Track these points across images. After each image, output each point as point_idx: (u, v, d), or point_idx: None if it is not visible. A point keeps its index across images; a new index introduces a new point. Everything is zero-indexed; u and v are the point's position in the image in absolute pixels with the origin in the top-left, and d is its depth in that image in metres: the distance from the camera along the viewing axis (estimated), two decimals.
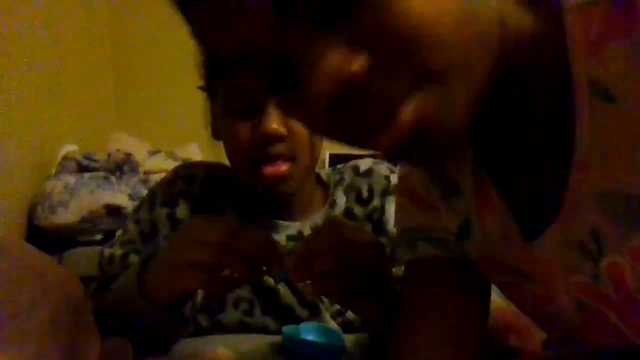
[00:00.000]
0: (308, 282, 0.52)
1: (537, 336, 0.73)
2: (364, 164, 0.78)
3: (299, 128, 0.66)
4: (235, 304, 0.67)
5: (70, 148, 1.37)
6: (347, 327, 0.67)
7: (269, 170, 0.66)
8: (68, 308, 0.49)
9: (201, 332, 0.66)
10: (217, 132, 0.73)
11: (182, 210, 0.71)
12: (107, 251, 0.70)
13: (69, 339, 0.48)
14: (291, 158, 0.66)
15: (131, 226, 0.72)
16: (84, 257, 1.12)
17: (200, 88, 0.73)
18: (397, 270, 0.69)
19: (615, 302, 0.34)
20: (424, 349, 0.45)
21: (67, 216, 1.18)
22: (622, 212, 0.32)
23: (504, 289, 0.48)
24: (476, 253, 0.45)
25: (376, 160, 0.78)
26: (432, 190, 0.47)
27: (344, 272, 0.50)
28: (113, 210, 1.21)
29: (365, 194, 0.75)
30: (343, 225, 0.53)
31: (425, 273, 0.48)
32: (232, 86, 0.66)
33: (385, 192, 0.75)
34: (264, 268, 0.52)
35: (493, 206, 0.41)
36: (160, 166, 1.37)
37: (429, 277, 0.48)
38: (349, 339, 0.64)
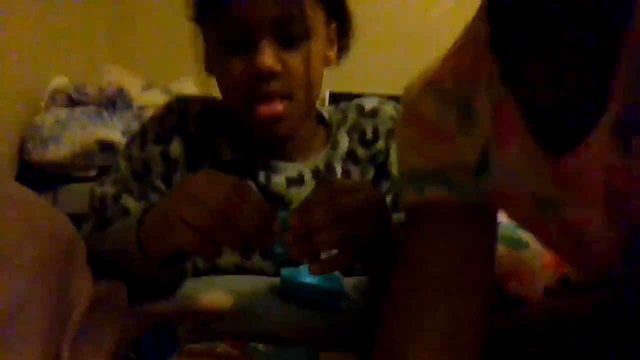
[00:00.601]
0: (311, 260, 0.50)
1: (539, 282, 0.72)
2: (369, 103, 0.73)
3: (296, 64, 0.61)
4: None
5: (60, 80, 1.32)
6: (347, 270, 0.66)
7: (263, 109, 0.62)
8: (57, 247, 0.47)
9: (198, 274, 0.64)
10: (210, 66, 0.68)
11: (175, 148, 0.68)
12: (98, 190, 0.67)
13: (58, 278, 0.46)
14: (287, 96, 0.62)
15: (122, 164, 0.69)
16: (79, 194, 1.11)
17: (192, 19, 0.67)
18: (399, 216, 0.67)
19: None
20: (430, 307, 0.43)
21: (59, 151, 1.15)
22: None
23: (524, 223, 0.45)
24: (495, 187, 0.42)
25: (382, 99, 0.74)
26: (448, 117, 0.42)
27: (348, 243, 0.48)
28: (106, 146, 1.18)
29: (369, 135, 0.71)
30: (340, 190, 0.49)
31: (432, 220, 0.45)
32: (225, 17, 0.61)
33: (391, 134, 0.71)
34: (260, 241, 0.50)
35: (515, 127, 0.38)
36: (154, 101, 1.32)
37: (437, 224, 0.45)
38: (349, 282, 0.63)
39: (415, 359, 0.43)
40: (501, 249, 0.75)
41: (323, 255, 0.51)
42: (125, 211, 0.64)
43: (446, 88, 0.43)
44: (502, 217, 0.90)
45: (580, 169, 0.36)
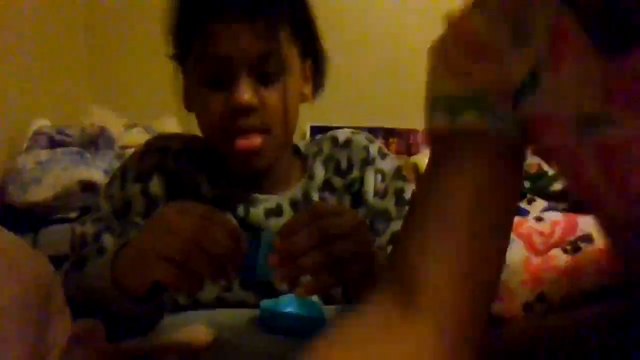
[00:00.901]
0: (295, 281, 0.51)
1: (518, 299, 0.73)
2: (343, 135, 0.76)
3: (273, 99, 0.64)
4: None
5: (41, 122, 1.32)
6: (327, 298, 0.67)
7: (242, 143, 0.63)
8: (35, 288, 0.47)
9: (179, 309, 0.64)
10: (189, 103, 0.70)
11: (155, 185, 0.69)
12: (79, 229, 0.68)
13: (37, 320, 0.46)
14: (265, 130, 0.64)
15: (103, 203, 0.69)
16: (59, 236, 1.10)
17: (171, 57, 0.70)
18: (378, 241, 0.68)
19: None
20: (454, 244, 0.40)
21: (40, 193, 1.15)
22: None
23: (558, 155, 0.43)
24: (538, 110, 0.40)
25: (355, 130, 0.77)
26: (499, 32, 0.40)
27: (332, 266, 0.48)
28: (88, 187, 1.18)
29: (344, 165, 0.73)
30: (324, 213, 0.50)
31: (462, 149, 0.42)
32: (204, 55, 0.64)
33: (365, 163, 0.73)
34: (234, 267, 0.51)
35: (572, 41, 0.37)
36: (137, 141, 1.33)
37: (466, 155, 0.42)
38: (329, 310, 0.63)
39: (433, 282, 0.40)
40: None
41: (304, 280, 0.52)
42: (104, 251, 0.64)
43: (499, 3, 0.41)
44: None
45: (638, 76, 0.34)
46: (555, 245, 0.77)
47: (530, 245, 0.78)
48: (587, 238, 0.75)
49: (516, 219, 0.85)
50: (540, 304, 0.72)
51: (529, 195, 0.99)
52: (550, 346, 0.57)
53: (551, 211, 0.90)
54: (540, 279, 0.74)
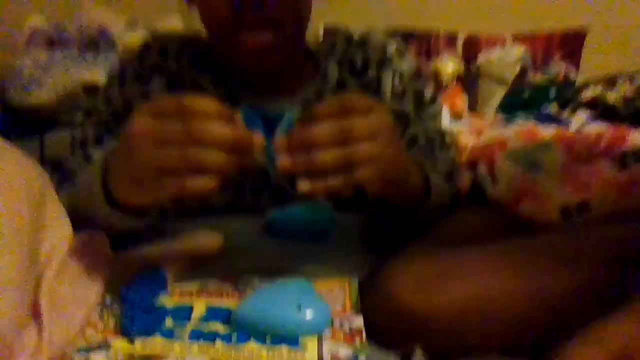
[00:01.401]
0: (304, 177, 0.44)
1: (555, 202, 0.65)
2: (358, 33, 0.70)
3: None
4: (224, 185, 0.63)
5: (37, 18, 1.26)
6: (340, 205, 0.63)
7: (250, 41, 0.57)
8: (27, 196, 0.45)
9: (187, 213, 0.63)
10: None
11: (156, 86, 0.65)
12: (79, 134, 0.65)
13: (29, 229, 0.44)
14: (275, 25, 0.58)
15: (102, 106, 0.66)
16: (66, 139, 1.08)
17: None
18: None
19: None
20: None
21: (42, 96, 1.12)
22: None
23: None
24: None
25: (370, 29, 0.70)
26: None
27: (349, 169, 0.43)
28: (91, 89, 1.14)
29: (359, 65, 0.68)
30: (353, 108, 0.43)
31: None
32: None
33: (382, 63, 0.68)
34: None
35: None
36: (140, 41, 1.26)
37: None
38: (340, 216, 0.61)
39: None
40: (514, 169, 0.71)
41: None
42: (90, 160, 0.62)
43: None
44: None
45: None
46: (601, 156, 0.67)
47: (570, 151, 0.69)
48: (637, 154, 0.66)
49: (556, 129, 0.77)
50: (581, 214, 0.64)
51: (571, 105, 0.90)
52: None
53: (594, 124, 0.81)
54: (584, 185, 0.65)
